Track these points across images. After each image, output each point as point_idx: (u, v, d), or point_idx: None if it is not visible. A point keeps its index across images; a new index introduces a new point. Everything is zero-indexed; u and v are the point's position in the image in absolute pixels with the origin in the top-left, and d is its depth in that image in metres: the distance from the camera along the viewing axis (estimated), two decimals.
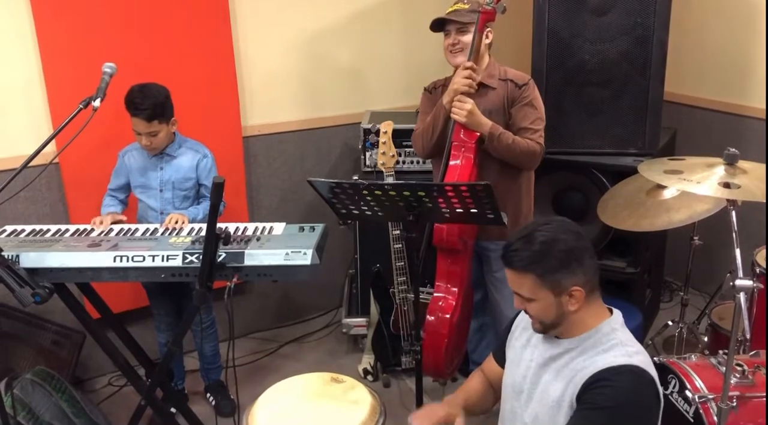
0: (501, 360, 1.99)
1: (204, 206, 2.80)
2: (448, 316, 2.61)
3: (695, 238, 3.05)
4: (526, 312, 1.75)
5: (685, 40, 3.71)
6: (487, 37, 2.67)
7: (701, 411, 2.14)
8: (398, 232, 3.05)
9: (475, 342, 3.12)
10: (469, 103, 2.55)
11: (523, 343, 1.87)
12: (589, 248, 1.70)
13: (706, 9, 3.70)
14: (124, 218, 2.72)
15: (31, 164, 2.15)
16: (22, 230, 2.52)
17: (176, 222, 2.62)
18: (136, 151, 2.86)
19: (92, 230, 2.54)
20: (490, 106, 2.66)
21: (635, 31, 3.08)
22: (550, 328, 1.74)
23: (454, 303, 2.63)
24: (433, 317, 2.62)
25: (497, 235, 2.72)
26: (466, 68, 2.57)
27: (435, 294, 2.66)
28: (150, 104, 2.65)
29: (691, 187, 1.99)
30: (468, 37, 2.63)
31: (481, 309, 3.03)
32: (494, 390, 2.05)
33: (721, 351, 2.37)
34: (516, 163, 2.68)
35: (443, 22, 2.66)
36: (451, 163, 2.59)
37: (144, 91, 2.67)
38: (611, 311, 1.78)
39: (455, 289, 2.65)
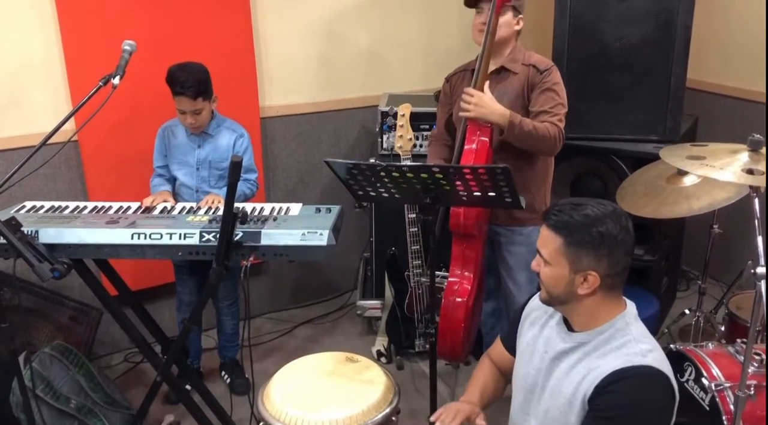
0: (510, 347, 1.97)
1: (239, 187, 2.79)
2: (464, 300, 2.60)
3: (715, 226, 3.02)
4: (539, 277, 1.72)
5: (708, 25, 3.64)
6: (518, 23, 2.62)
7: (717, 399, 2.13)
8: (414, 215, 3.04)
9: (490, 326, 3.11)
10: (475, 96, 2.49)
11: (536, 333, 1.84)
12: (627, 246, 1.64)
13: None
14: (172, 201, 2.71)
15: (50, 141, 2.16)
16: (42, 207, 2.53)
17: (212, 202, 2.62)
18: (177, 128, 2.88)
19: (110, 207, 2.55)
20: (509, 89, 2.62)
21: (659, 15, 3.03)
22: (556, 302, 1.72)
23: (469, 288, 2.63)
24: (449, 302, 2.61)
25: (507, 220, 2.72)
26: (468, 94, 2.51)
27: (450, 279, 2.65)
28: (194, 81, 2.66)
29: (713, 173, 1.96)
30: (501, 19, 2.56)
31: (495, 293, 3.02)
32: (503, 376, 2.03)
33: (738, 340, 2.35)
34: (537, 149, 2.63)
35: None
36: (466, 147, 2.55)
37: (186, 69, 2.68)
38: (625, 304, 1.74)
39: (470, 274, 2.64)
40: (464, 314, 2.60)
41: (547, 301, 1.75)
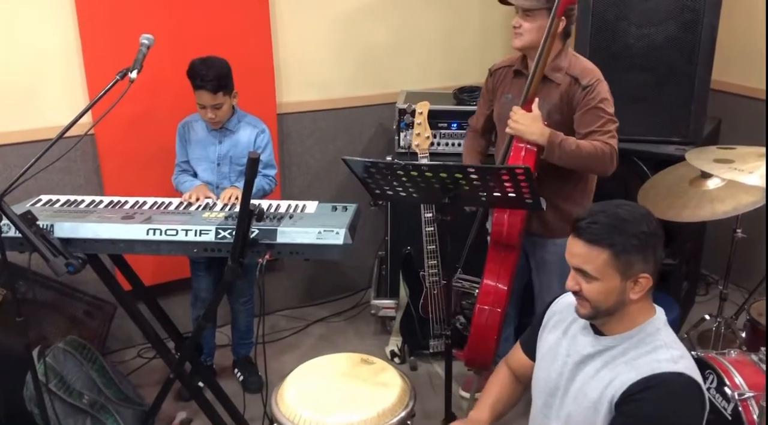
0: (530, 352, 1.92)
1: (259, 182, 2.78)
2: (500, 310, 2.54)
3: (738, 230, 2.96)
4: (577, 295, 1.64)
5: (732, 26, 3.57)
6: (560, 26, 2.41)
7: (740, 408, 2.09)
8: (430, 214, 3.01)
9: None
10: (517, 113, 2.41)
11: (558, 336, 1.79)
12: (662, 240, 1.61)
13: None
14: (214, 197, 2.66)
15: (67, 134, 2.14)
16: (57, 200, 2.52)
17: (230, 198, 2.61)
18: (196, 123, 2.87)
19: (126, 201, 2.54)
20: (550, 105, 2.49)
21: (683, 14, 2.98)
22: (602, 315, 1.64)
23: (504, 298, 2.56)
24: (484, 311, 2.54)
25: (545, 230, 2.62)
26: (513, 112, 2.43)
27: (485, 288, 2.57)
28: (215, 75, 2.65)
29: (742, 177, 1.92)
30: (530, 24, 2.43)
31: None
32: (521, 383, 1.99)
33: (762, 348, 2.30)
34: (586, 169, 2.50)
35: None
36: (512, 154, 2.45)
37: (207, 63, 2.67)
38: (655, 309, 1.70)
39: (504, 284, 2.56)
40: (498, 324, 2.55)
41: (592, 316, 1.66)
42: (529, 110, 2.42)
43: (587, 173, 2.55)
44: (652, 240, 1.58)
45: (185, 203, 2.56)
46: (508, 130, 2.45)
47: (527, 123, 2.40)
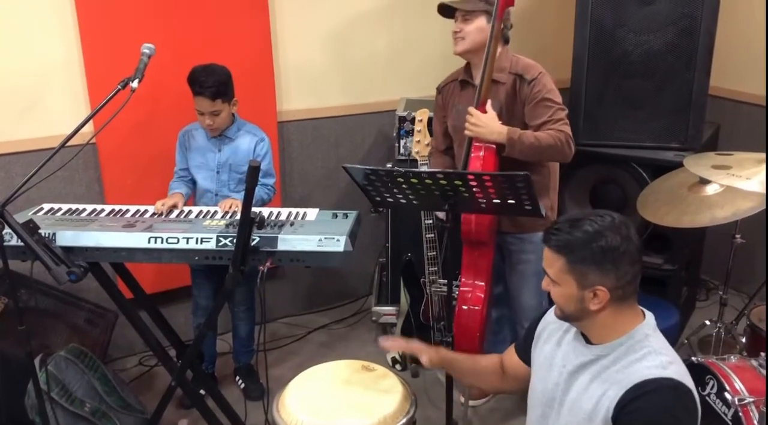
0: (524, 356, 1.93)
1: (257, 191, 2.79)
2: (479, 309, 2.58)
3: (737, 236, 2.97)
4: (551, 296, 1.70)
5: (730, 32, 3.59)
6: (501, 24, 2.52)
7: (741, 414, 2.09)
8: (430, 221, 3.02)
9: (495, 333, 3.08)
10: (474, 115, 2.48)
11: (553, 347, 1.80)
12: (632, 255, 1.61)
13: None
14: (180, 206, 2.64)
15: (69, 144, 2.15)
16: (59, 209, 2.54)
17: (230, 207, 2.62)
18: (196, 131, 2.88)
19: (127, 210, 2.55)
20: (500, 104, 2.57)
21: (681, 21, 2.99)
22: (570, 319, 1.70)
23: (483, 296, 2.60)
24: (464, 310, 2.59)
25: (514, 227, 2.68)
26: (468, 114, 2.51)
27: (462, 288, 2.62)
28: (214, 82, 2.67)
29: (740, 183, 1.93)
30: (470, 26, 2.55)
31: (501, 301, 2.98)
32: (505, 378, 2.00)
33: (763, 353, 2.31)
34: (547, 159, 2.60)
35: (452, 8, 2.59)
36: (473, 155, 2.53)
37: (207, 70, 2.69)
38: (644, 315, 1.70)
39: (482, 281, 2.62)
40: (480, 323, 2.58)
41: (562, 318, 1.72)
42: (484, 112, 2.50)
43: (548, 162, 2.62)
44: (612, 255, 1.58)
45: (185, 212, 2.58)
46: (467, 133, 2.51)
47: (485, 123, 2.48)
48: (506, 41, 2.63)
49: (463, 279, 2.64)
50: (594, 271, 1.59)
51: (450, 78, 2.82)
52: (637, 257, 1.62)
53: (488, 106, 2.51)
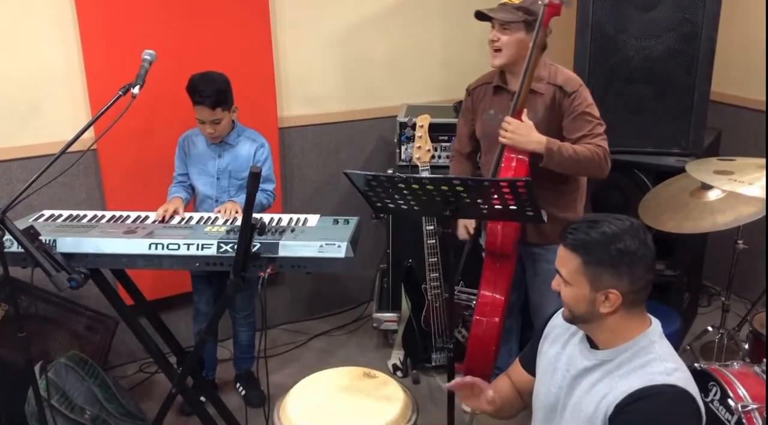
0: (529, 367, 1.93)
1: (257, 197, 2.78)
2: (497, 321, 2.55)
3: (739, 242, 2.96)
4: (560, 297, 1.69)
5: (731, 38, 3.59)
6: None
7: (744, 420, 2.08)
8: (432, 227, 3.01)
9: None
10: (512, 124, 2.42)
11: (558, 350, 1.80)
12: (648, 261, 1.60)
13: (753, 5, 3.58)
14: (181, 212, 2.63)
15: (69, 150, 2.15)
16: (60, 215, 2.53)
17: (229, 212, 2.61)
18: (197, 137, 2.88)
19: (128, 216, 2.55)
20: (537, 114, 2.52)
21: (683, 27, 2.99)
22: (578, 321, 1.69)
23: (501, 308, 2.57)
24: (482, 322, 2.55)
25: (541, 238, 2.63)
26: (506, 122, 2.45)
27: (482, 299, 2.58)
28: (214, 91, 2.66)
29: (742, 188, 1.92)
30: (509, 38, 2.47)
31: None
32: (520, 398, 1.99)
33: (765, 360, 2.29)
34: (582, 173, 2.56)
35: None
36: (503, 165, 2.48)
37: (206, 78, 2.68)
38: (650, 321, 1.69)
39: (501, 294, 2.58)
40: (496, 336, 2.55)
41: (570, 320, 1.71)
42: (520, 121, 2.45)
43: (584, 176, 2.59)
44: (627, 259, 1.57)
45: (186, 218, 2.57)
46: (503, 140, 2.46)
47: (524, 132, 2.43)
48: (544, 48, 2.54)
49: (482, 291, 2.59)
50: (609, 273, 1.58)
51: (482, 80, 2.74)
52: (652, 264, 1.61)
53: (524, 115, 2.46)
